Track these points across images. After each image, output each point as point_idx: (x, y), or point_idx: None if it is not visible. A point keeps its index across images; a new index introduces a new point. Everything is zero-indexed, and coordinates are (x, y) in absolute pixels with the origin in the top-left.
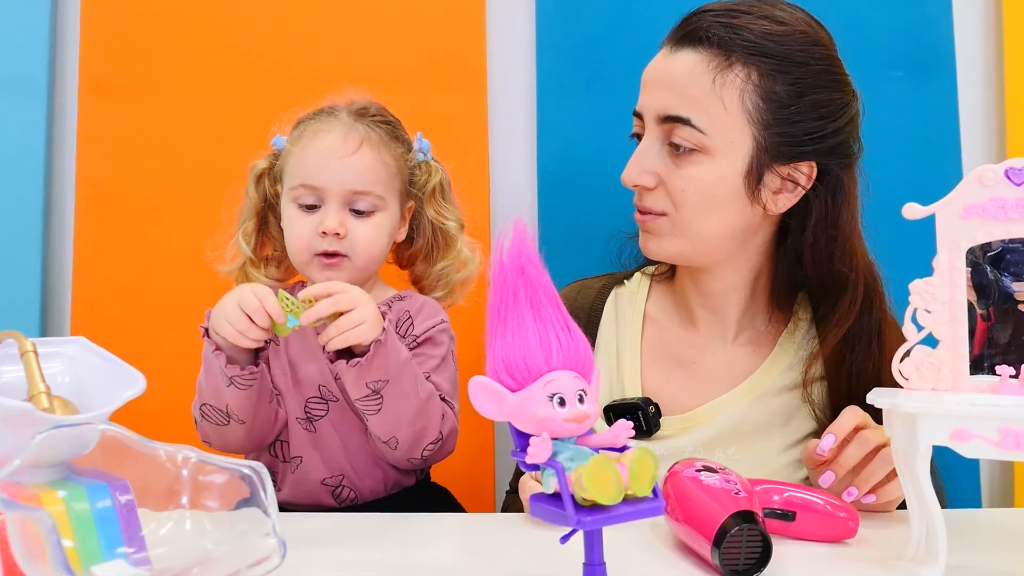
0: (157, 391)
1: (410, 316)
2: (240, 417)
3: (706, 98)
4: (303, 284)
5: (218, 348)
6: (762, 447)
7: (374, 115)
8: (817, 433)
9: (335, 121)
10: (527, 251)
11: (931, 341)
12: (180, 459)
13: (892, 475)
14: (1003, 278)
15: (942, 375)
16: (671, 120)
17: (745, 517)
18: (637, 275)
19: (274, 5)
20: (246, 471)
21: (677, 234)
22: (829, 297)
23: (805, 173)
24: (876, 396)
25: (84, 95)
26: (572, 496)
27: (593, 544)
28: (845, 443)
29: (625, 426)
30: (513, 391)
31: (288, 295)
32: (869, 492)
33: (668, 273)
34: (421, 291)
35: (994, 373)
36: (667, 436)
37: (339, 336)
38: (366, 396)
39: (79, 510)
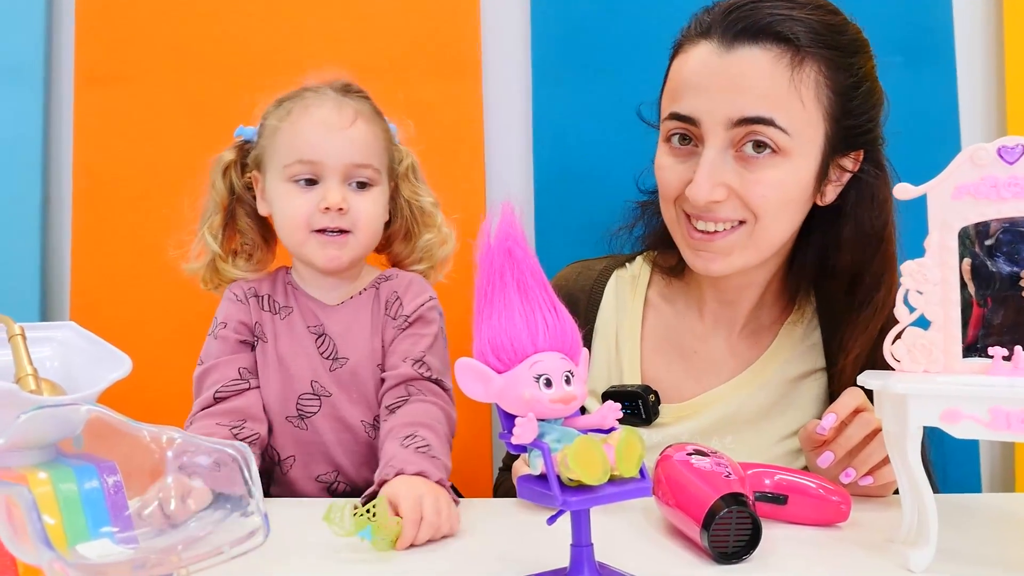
0: (153, 377)
1: (398, 296)
2: None
3: (785, 96)
4: (287, 270)
5: None
6: (759, 436)
7: (357, 91)
8: None
9: (324, 96)
10: (515, 233)
11: (925, 323)
12: (164, 440)
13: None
14: (997, 259)
15: (934, 356)
16: (750, 122)
17: (735, 500)
18: (639, 259)
19: None
20: (230, 451)
21: (751, 245)
22: (862, 284)
23: (853, 159)
24: (866, 378)
25: (80, 85)
26: (558, 476)
27: (580, 525)
28: (844, 425)
29: (613, 407)
30: (499, 372)
31: (357, 506)
32: (866, 474)
33: (678, 267)
34: (403, 268)
35: (987, 355)
36: (663, 424)
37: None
38: None
39: (66, 490)
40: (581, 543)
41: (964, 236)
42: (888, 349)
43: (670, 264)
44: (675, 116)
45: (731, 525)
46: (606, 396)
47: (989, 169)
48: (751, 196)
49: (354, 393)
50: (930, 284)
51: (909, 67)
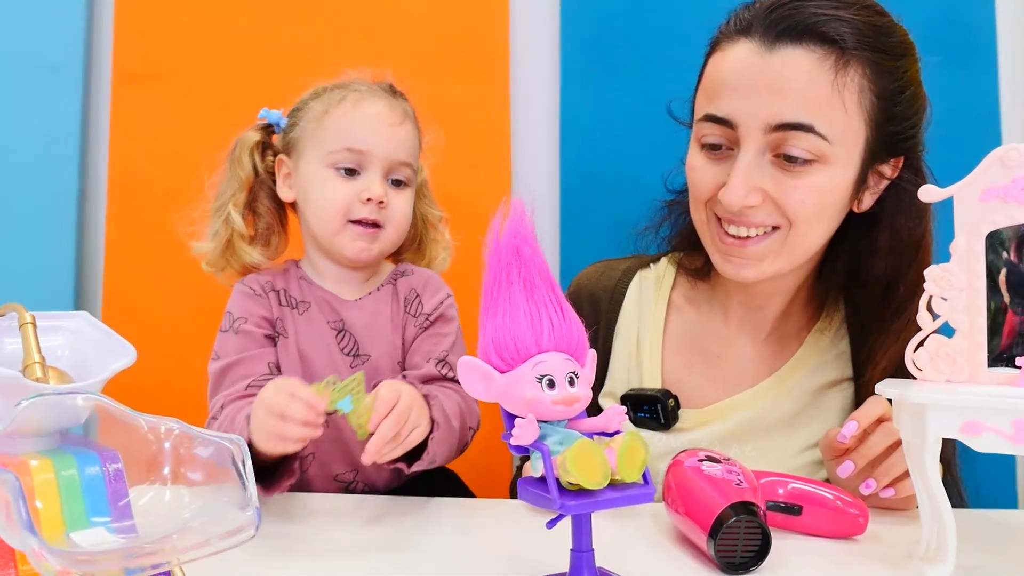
0: (183, 369)
1: (417, 294)
2: None
3: (827, 101)
4: (297, 264)
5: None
6: (780, 445)
7: (401, 94)
8: None
9: (376, 92)
10: (524, 232)
11: (951, 332)
12: (163, 431)
13: None
14: None
15: (958, 366)
16: (789, 128)
17: (744, 508)
18: (664, 260)
19: None
20: (226, 443)
21: (784, 252)
22: (895, 294)
23: (892, 166)
24: (885, 387)
25: (117, 83)
26: (557, 480)
27: (581, 530)
28: (867, 434)
29: (618, 411)
30: (502, 372)
31: (336, 380)
32: (887, 486)
33: (704, 269)
34: None
35: (1015, 366)
36: (683, 429)
37: (398, 448)
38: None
39: (67, 476)
40: (581, 548)
41: (999, 241)
42: (910, 357)
43: (696, 266)
44: (711, 118)
45: (739, 535)
46: (625, 399)
47: (1020, 170)
48: (788, 202)
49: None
50: (955, 290)
51: (949, 67)
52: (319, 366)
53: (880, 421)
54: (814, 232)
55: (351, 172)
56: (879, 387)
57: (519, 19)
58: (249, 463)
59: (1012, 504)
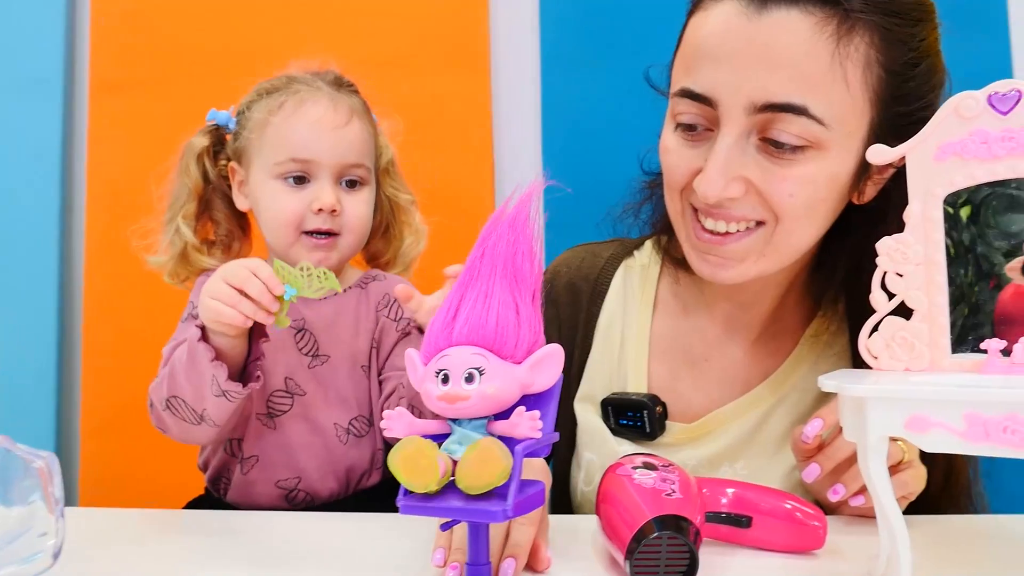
0: None
1: (394, 299)
2: (216, 422)
3: (825, 76)
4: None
5: (217, 357)
6: (774, 462)
7: (349, 85)
8: None
9: (318, 91)
10: (500, 221)
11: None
12: None
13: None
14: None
15: (916, 351)
16: (776, 109)
17: (671, 523)
18: (648, 245)
19: None
20: (39, 463)
21: (770, 252)
22: None
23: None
24: (826, 379)
25: (94, 92)
26: None
27: (476, 541)
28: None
29: (524, 414)
30: (424, 365)
31: (284, 264)
32: (857, 493)
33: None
34: (378, 267)
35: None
36: (669, 444)
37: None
38: None
39: None
40: (477, 561)
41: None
42: (864, 343)
43: (681, 255)
44: (686, 93)
45: (661, 554)
46: (604, 404)
47: (978, 122)
48: (774, 194)
49: (331, 392)
50: (911, 264)
51: (957, 34)
52: (272, 364)
53: None
54: (804, 229)
55: (300, 180)
56: (821, 379)
57: (498, 8)
58: (60, 486)
59: None
